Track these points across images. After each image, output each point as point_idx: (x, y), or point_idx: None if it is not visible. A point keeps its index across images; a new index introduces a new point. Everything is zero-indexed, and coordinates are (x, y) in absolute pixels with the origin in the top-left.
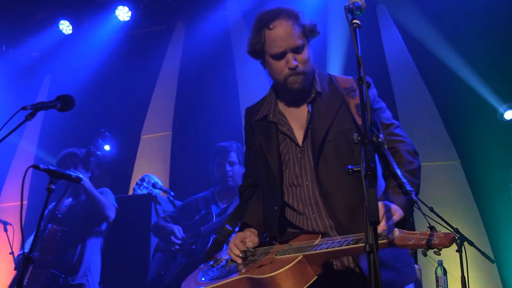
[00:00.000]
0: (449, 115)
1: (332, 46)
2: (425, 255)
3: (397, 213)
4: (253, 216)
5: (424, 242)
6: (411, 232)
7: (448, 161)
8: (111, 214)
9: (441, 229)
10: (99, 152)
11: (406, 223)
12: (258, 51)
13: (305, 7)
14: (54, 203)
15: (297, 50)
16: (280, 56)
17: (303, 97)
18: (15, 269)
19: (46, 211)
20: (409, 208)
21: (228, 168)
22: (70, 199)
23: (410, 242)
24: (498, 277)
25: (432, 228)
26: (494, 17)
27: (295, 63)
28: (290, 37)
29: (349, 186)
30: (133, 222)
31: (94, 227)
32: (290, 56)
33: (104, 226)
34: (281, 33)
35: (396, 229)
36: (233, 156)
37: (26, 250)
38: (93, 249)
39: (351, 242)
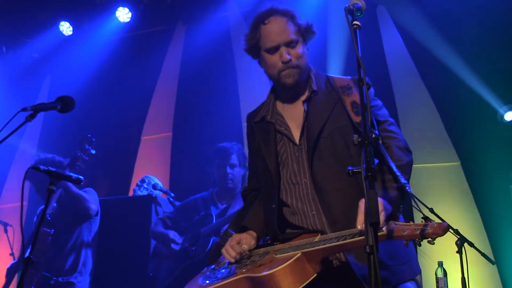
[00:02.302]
0: (449, 116)
1: (332, 47)
2: (419, 245)
3: (386, 208)
4: (253, 219)
5: (418, 232)
6: (406, 223)
7: (448, 162)
8: (93, 206)
9: None
10: (86, 157)
11: (394, 218)
12: (254, 47)
13: (305, 7)
14: (42, 206)
15: (290, 44)
16: (274, 50)
17: (299, 94)
18: (5, 276)
19: (35, 217)
20: (398, 202)
21: (228, 170)
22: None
23: (405, 233)
24: (498, 278)
25: (426, 218)
26: (494, 17)
27: (289, 57)
28: (284, 31)
29: (344, 183)
30: (133, 223)
31: (84, 228)
32: (283, 50)
33: (95, 227)
34: (275, 27)
35: (391, 221)
36: (234, 159)
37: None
38: (85, 249)
39: (348, 237)
